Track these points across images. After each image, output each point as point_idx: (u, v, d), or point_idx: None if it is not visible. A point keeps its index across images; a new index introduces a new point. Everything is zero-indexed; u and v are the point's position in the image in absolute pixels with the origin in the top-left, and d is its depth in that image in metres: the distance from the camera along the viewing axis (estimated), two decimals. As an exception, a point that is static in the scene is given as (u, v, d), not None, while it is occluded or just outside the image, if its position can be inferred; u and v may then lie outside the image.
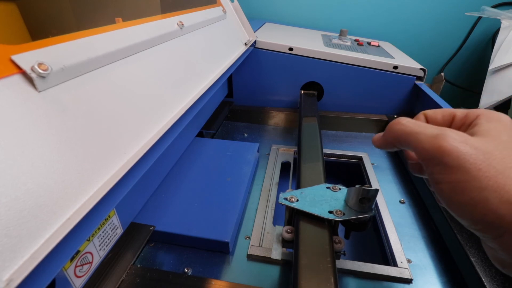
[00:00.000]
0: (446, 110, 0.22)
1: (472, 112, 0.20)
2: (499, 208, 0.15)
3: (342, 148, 0.63)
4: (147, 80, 0.32)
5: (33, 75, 0.19)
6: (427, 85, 0.69)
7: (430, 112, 0.23)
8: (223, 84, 0.75)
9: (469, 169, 0.16)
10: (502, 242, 0.16)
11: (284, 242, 0.33)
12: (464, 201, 0.16)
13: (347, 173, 0.64)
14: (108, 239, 0.34)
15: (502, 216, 0.15)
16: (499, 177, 0.15)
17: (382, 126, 0.71)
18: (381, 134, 0.23)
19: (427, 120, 0.23)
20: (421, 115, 0.23)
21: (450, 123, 0.21)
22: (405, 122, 0.20)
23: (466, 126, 0.20)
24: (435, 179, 0.17)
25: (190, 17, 0.46)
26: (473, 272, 0.33)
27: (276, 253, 0.37)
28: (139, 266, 0.36)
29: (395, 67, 0.67)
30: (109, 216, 0.34)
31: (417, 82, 0.68)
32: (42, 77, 0.20)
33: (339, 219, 0.29)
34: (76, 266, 0.30)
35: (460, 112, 0.21)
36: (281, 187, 0.53)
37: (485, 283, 0.31)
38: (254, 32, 0.72)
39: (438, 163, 0.17)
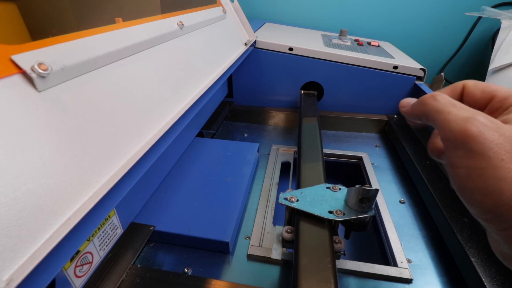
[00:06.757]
0: (488, 86, 0.20)
1: None
2: None
3: (342, 148, 0.64)
4: (147, 80, 0.32)
5: (33, 75, 0.19)
6: (427, 85, 0.69)
7: (471, 83, 0.21)
8: (223, 84, 0.75)
9: (491, 158, 0.15)
10: (507, 235, 0.15)
11: (284, 242, 0.33)
12: (477, 188, 0.15)
13: (347, 173, 0.64)
14: (108, 239, 0.34)
15: None
16: None
17: (382, 126, 0.71)
18: (409, 99, 0.22)
19: (464, 92, 0.21)
20: (459, 84, 0.21)
21: (488, 102, 0.20)
22: (440, 99, 0.18)
23: (503, 109, 0.19)
24: (453, 163, 0.17)
25: (190, 17, 0.46)
26: (473, 272, 0.33)
27: (276, 253, 0.37)
28: (139, 266, 0.36)
29: (395, 67, 0.67)
30: (109, 216, 0.34)
31: (417, 82, 0.68)
32: (42, 77, 0.20)
33: (339, 219, 0.29)
34: (76, 266, 0.29)
35: (501, 92, 0.19)
36: (281, 187, 0.53)
37: (485, 283, 0.31)
38: (254, 32, 0.72)
39: (460, 146, 0.16)
